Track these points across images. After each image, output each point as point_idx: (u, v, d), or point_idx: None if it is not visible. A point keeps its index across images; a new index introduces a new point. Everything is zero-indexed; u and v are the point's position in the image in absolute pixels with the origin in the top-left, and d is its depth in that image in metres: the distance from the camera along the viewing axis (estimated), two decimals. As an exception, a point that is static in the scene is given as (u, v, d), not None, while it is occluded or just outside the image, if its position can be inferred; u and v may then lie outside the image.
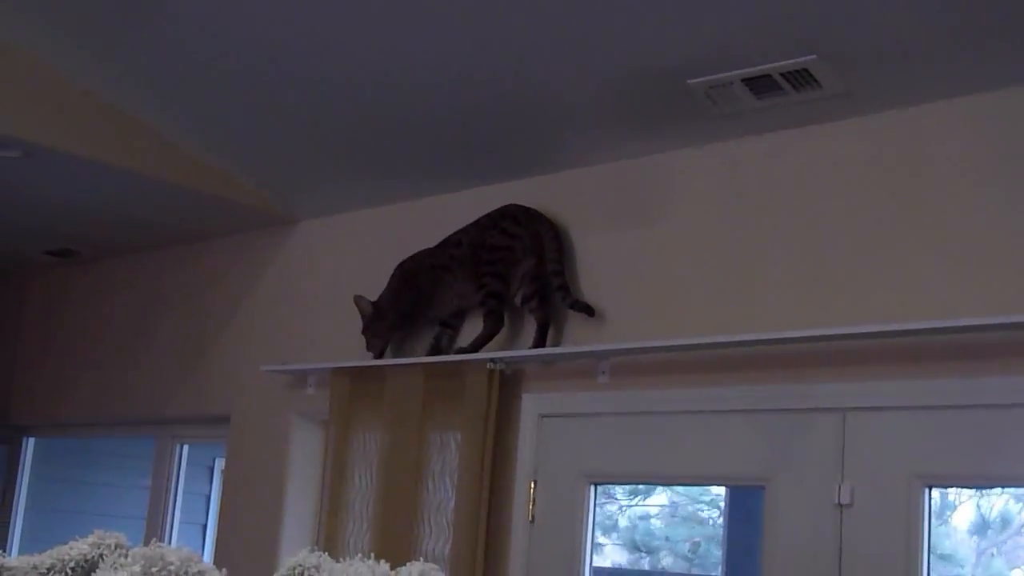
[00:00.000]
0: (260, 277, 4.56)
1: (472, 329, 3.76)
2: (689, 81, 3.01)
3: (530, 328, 3.56)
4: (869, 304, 2.94)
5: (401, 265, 3.92)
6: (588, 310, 3.44)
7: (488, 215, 3.70)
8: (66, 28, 3.51)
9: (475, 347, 3.63)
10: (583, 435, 3.46)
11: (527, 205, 3.64)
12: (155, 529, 4.93)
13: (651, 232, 3.42)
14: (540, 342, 3.51)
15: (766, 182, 3.21)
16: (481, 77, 3.27)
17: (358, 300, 3.94)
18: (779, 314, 3.09)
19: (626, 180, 3.50)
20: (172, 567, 1.13)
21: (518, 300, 3.58)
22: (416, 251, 3.90)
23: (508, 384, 3.57)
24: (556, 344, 3.54)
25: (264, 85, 3.55)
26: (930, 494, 2.81)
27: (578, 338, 3.45)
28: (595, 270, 3.51)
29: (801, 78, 2.90)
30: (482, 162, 3.75)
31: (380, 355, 3.94)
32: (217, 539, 4.55)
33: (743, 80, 2.96)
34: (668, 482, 3.95)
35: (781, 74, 2.90)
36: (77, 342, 5.41)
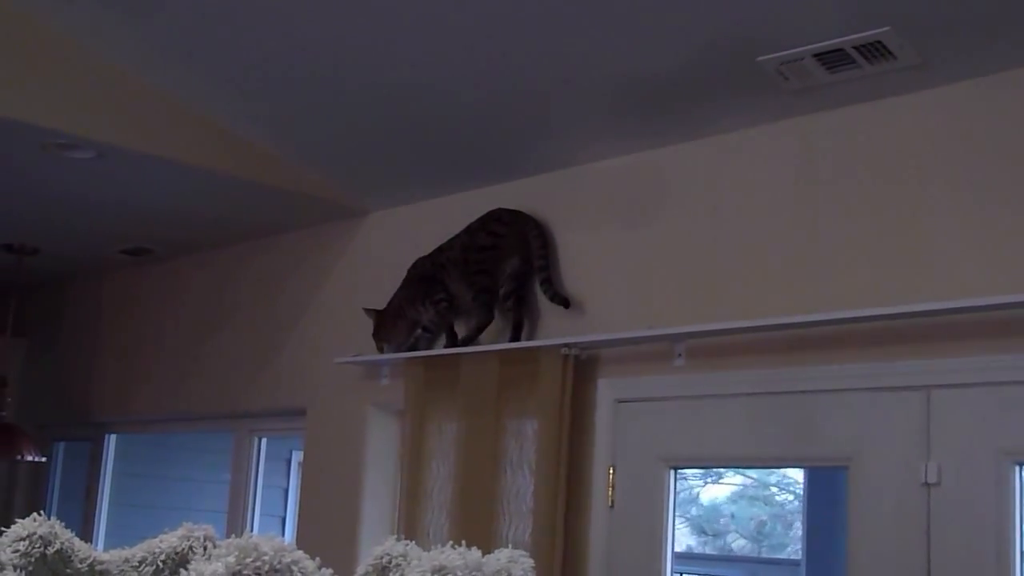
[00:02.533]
0: (331, 269, 4.58)
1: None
2: (759, 58, 2.97)
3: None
4: (951, 279, 2.88)
5: (409, 270, 4.15)
6: (564, 303, 3.65)
7: (479, 219, 3.92)
8: (136, 29, 3.53)
9: (468, 339, 3.86)
10: (660, 419, 3.44)
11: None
12: (236, 522, 4.98)
13: (725, 211, 3.38)
14: (515, 339, 3.74)
15: (840, 157, 3.16)
16: (527, 66, 3.26)
17: (366, 312, 4.21)
18: (858, 291, 3.04)
19: (699, 159, 3.47)
20: (266, 557, 1.13)
21: (500, 296, 3.83)
22: (425, 254, 4.12)
23: (583, 369, 3.55)
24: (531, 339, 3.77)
25: (330, 81, 3.56)
26: (1021, 471, 2.75)
27: (653, 321, 3.43)
28: (664, 252, 3.48)
29: (875, 50, 2.84)
30: (536, 151, 3.77)
31: (398, 350, 4.15)
32: (298, 530, 4.58)
33: (815, 55, 2.91)
34: (748, 464, 3.93)
35: (854, 47, 2.85)
36: (154, 339, 5.48)
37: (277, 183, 4.15)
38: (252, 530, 5.05)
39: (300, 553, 1.17)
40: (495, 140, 3.78)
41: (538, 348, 3.61)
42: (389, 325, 4.17)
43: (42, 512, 1.66)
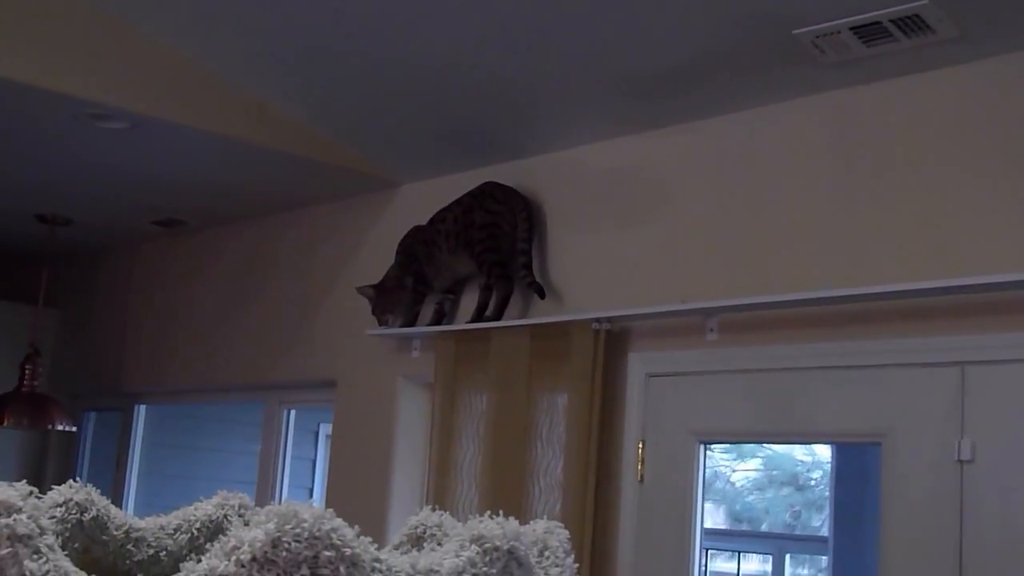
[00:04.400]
0: (363, 241, 4.58)
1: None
2: (795, 31, 2.94)
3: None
4: (986, 254, 2.86)
5: (401, 242, 4.24)
6: (540, 292, 3.77)
7: (469, 194, 4.00)
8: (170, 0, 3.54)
9: (498, 313, 3.88)
10: (691, 394, 3.43)
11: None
12: (265, 492, 5.01)
13: (759, 186, 3.36)
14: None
15: (876, 132, 3.13)
16: (557, 42, 3.24)
17: (360, 290, 4.30)
18: (893, 266, 3.02)
19: (733, 134, 3.45)
20: (306, 524, 1.13)
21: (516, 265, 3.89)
22: (411, 228, 4.23)
23: (614, 343, 3.54)
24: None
25: (363, 53, 3.55)
26: (1056, 448, 2.73)
27: (686, 295, 3.41)
28: (701, 225, 3.47)
29: (912, 24, 2.81)
30: (567, 126, 3.76)
31: (411, 323, 4.23)
32: (326, 502, 4.60)
33: (851, 28, 2.88)
34: (780, 440, 3.92)
35: (891, 20, 2.82)
36: (184, 310, 5.51)
37: (309, 155, 4.15)
38: (281, 500, 5.08)
39: (339, 521, 1.17)
40: (524, 116, 3.77)
41: (569, 322, 3.60)
42: (389, 297, 4.25)
43: (78, 479, 1.67)
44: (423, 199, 4.34)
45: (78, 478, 1.67)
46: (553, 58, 3.36)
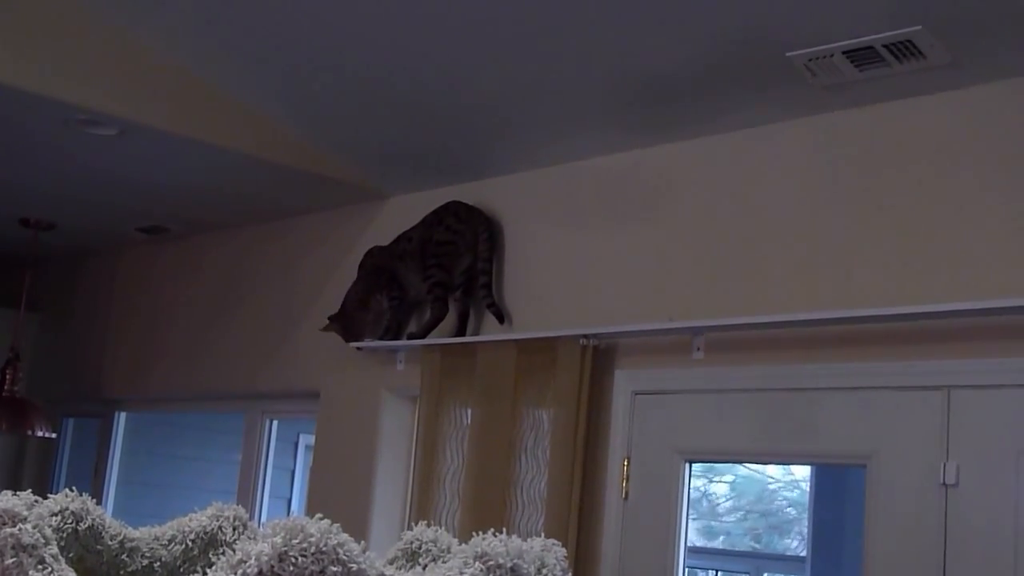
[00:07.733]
0: (350, 253, 4.57)
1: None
2: (788, 53, 2.96)
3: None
4: (975, 280, 2.88)
5: (363, 262, 4.31)
6: (499, 316, 3.86)
7: (434, 212, 4.06)
8: (162, 7, 3.53)
9: (423, 333, 4.02)
10: (677, 412, 3.44)
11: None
12: (245, 502, 4.99)
13: (747, 206, 3.38)
14: (462, 330, 3.94)
15: (866, 155, 3.15)
16: (546, 59, 3.25)
17: (326, 329, 4.33)
18: (880, 289, 3.04)
19: (723, 152, 3.46)
20: (312, 538, 1.13)
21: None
22: (371, 247, 4.32)
23: (601, 360, 3.55)
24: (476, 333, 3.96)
25: (352, 66, 3.56)
26: (1041, 473, 2.75)
27: (673, 314, 3.43)
28: (685, 245, 3.48)
29: (905, 49, 2.84)
30: (555, 142, 3.77)
31: (396, 336, 4.23)
32: (307, 513, 4.58)
33: (844, 52, 2.90)
34: (765, 460, 3.91)
35: (884, 45, 2.84)
36: (168, 318, 5.49)
37: (297, 165, 4.15)
38: (262, 511, 5.07)
39: (346, 536, 1.18)
40: (511, 132, 3.78)
41: (556, 337, 3.60)
42: (359, 319, 4.28)
43: (73, 488, 1.67)
44: (411, 212, 4.34)
45: (52, 487, 1.67)
46: (544, 72, 3.37)
